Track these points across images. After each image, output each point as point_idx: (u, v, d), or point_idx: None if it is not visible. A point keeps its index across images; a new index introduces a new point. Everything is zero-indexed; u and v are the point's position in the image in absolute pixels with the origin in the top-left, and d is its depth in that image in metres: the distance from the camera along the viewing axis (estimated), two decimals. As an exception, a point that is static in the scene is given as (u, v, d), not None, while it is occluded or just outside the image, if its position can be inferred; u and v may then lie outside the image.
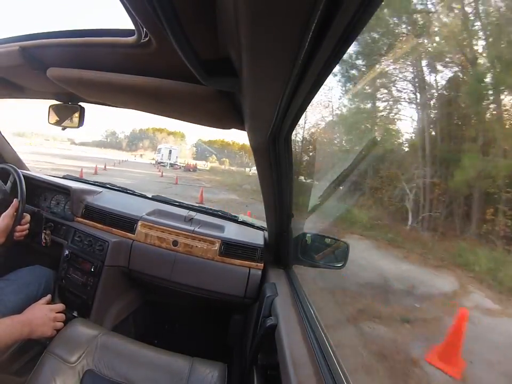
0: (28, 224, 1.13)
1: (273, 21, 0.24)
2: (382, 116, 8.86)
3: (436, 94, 7.68)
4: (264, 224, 1.35)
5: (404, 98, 8.28)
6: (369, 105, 8.98)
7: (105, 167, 14.76)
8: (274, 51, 0.28)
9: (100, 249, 1.17)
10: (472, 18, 6.57)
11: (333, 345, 0.67)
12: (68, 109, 1.03)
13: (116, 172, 13.88)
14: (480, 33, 6.55)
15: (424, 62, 7.63)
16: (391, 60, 8.07)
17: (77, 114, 1.03)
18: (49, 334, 0.87)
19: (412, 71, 7.91)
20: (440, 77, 7.50)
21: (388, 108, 8.63)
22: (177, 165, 24.67)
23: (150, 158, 34.09)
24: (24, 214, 1.10)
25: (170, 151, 24.94)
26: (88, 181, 1.68)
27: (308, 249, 1.17)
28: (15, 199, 1.05)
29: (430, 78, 7.63)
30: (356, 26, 0.26)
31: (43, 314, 0.88)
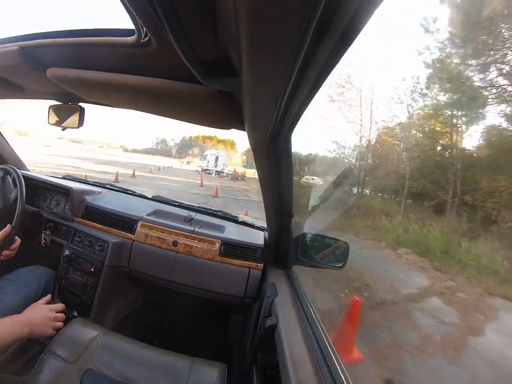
0: (16, 249, 1.07)
1: (273, 20, 0.24)
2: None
3: None
4: (264, 224, 1.35)
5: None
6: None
7: (133, 173, 12.35)
8: (274, 51, 0.28)
9: (100, 249, 1.17)
10: None
11: (333, 345, 0.67)
12: (67, 109, 1.03)
13: (145, 180, 11.46)
14: None
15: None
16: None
17: (77, 115, 1.03)
18: (49, 334, 0.87)
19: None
20: None
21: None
22: (223, 172, 22.55)
23: (197, 165, 33.19)
24: (16, 238, 1.06)
25: (216, 158, 22.79)
26: (88, 181, 1.68)
27: (308, 249, 1.17)
28: (8, 225, 1.02)
29: None
30: (356, 27, 0.26)
31: (43, 314, 0.88)
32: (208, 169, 22.58)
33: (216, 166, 22.47)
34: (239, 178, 21.27)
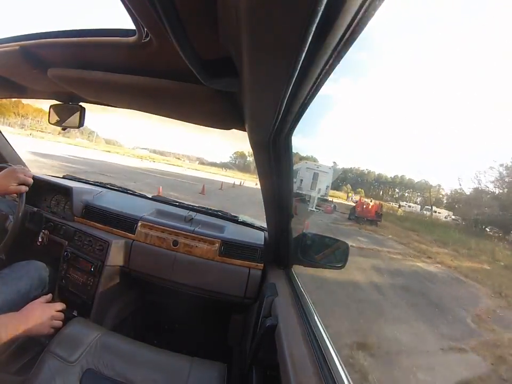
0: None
1: (274, 20, 0.24)
2: None
3: None
4: (264, 224, 1.35)
5: None
6: None
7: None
8: (275, 51, 0.28)
9: (100, 249, 1.17)
10: None
11: (333, 345, 0.67)
12: (68, 109, 1.04)
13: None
14: None
15: None
16: None
17: (77, 114, 1.03)
18: (46, 332, 0.86)
19: None
20: None
21: None
22: (330, 203, 13.46)
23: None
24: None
25: (315, 175, 13.27)
26: (88, 181, 1.68)
27: (308, 249, 1.16)
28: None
29: None
30: (357, 27, 0.26)
31: (41, 312, 0.87)
32: (300, 194, 12.67)
33: (315, 189, 12.81)
34: (368, 218, 11.43)
